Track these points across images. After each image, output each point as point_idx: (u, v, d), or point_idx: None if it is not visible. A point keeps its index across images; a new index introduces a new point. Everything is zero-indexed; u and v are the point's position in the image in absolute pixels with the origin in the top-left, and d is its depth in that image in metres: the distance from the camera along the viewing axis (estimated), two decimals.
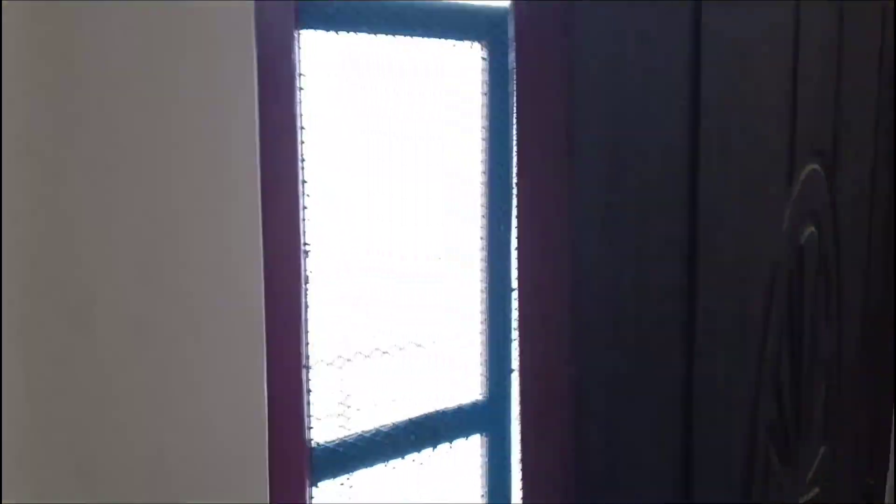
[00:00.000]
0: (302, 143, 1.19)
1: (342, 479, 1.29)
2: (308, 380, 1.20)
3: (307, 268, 1.19)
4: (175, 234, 0.93)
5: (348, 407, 1.56)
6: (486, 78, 1.38)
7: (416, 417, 1.33)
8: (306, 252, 1.19)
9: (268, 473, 1.02)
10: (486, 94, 1.39)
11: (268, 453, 1.07)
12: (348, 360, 1.49)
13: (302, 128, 1.19)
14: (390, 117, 1.42)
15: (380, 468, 1.33)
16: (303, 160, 1.19)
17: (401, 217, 1.47)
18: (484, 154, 1.41)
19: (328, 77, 1.33)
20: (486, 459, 1.39)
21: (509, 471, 1.41)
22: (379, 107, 1.41)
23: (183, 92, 0.91)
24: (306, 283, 1.19)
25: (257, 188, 0.98)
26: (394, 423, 1.30)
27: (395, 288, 1.46)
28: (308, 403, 1.20)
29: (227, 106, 0.95)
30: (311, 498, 1.21)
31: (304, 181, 1.18)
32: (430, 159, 1.44)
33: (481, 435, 1.39)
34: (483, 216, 1.40)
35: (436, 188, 1.46)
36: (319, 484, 1.25)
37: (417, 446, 1.32)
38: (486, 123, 1.40)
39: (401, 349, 1.45)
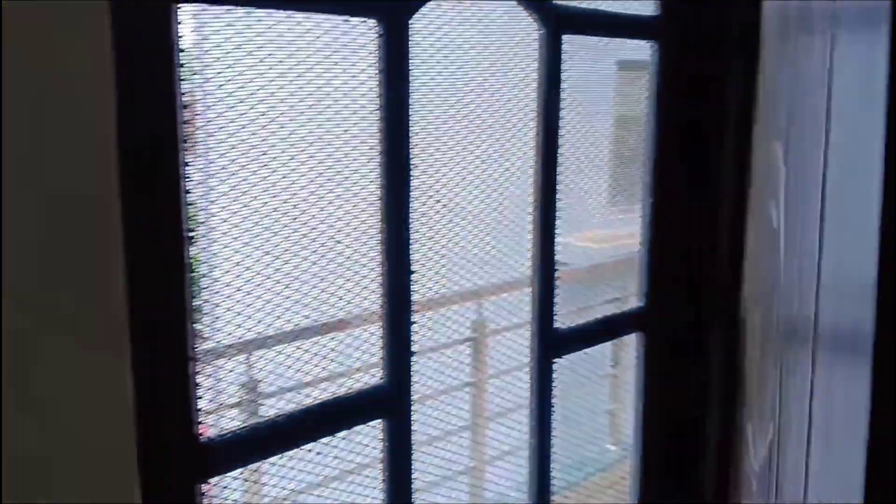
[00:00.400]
0: (184, 122, 1.14)
1: (239, 471, 1.25)
2: (196, 372, 1.15)
3: (190, 255, 1.14)
4: None
5: (243, 397, 1.52)
6: (382, 55, 1.34)
7: (315, 405, 1.29)
8: (190, 238, 1.14)
9: (136, 472, 0.97)
10: (382, 72, 1.34)
11: (147, 450, 1.03)
12: (249, 348, 1.45)
13: (184, 106, 1.13)
14: (284, 95, 1.37)
15: (279, 458, 1.29)
16: (185, 141, 1.13)
17: (298, 198, 1.42)
18: (381, 133, 1.36)
19: (218, 53, 1.28)
20: (388, 444, 1.36)
21: (410, 455, 1.39)
22: (272, 84, 1.36)
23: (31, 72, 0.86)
24: (190, 270, 1.14)
25: (112, 172, 0.93)
26: (291, 412, 1.26)
27: (293, 272, 1.42)
28: (196, 396, 1.15)
29: (79, 85, 0.90)
30: (202, 494, 1.17)
31: (185, 163, 1.13)
32: (325, 138, 1.40)
33: (382, 420, 1.36)
34: (381, 198, 1.36)
35: (332, 168, 1.42)
36: (213, 479, 1.21)
37: (317, 434, 1.29)
38: (383, 102, 1.35)
39: (300, 335, 1.41)
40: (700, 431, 1.99)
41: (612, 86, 2.09)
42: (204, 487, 1.17)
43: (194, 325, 1.15)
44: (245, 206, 1.39)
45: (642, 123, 1.88)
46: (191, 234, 1.14)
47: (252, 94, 1.32)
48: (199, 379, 1.16)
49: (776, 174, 1.51)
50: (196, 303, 1.17)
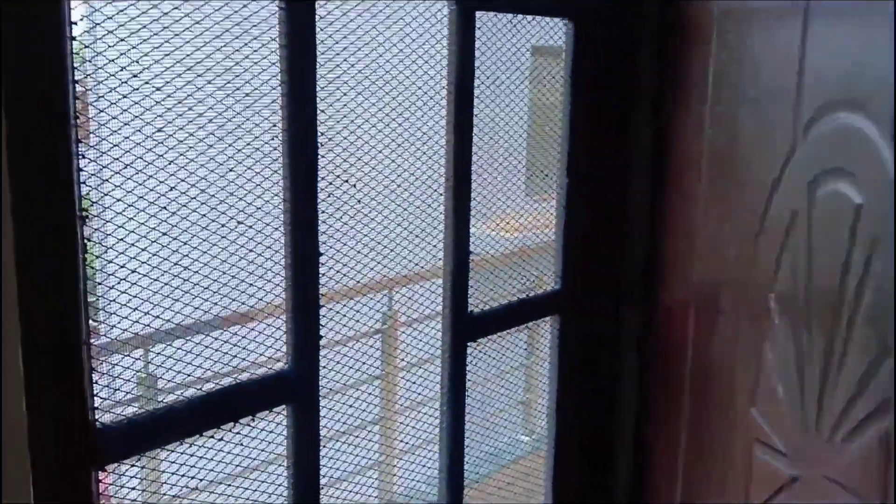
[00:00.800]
0: (75, 98, 1.09)
1: (135, 459, 1.20)
2: (90, 357, 1.10)
3: (84, 235, 1.09)
4: None
5: (149, 386, 1.47)
6: (286, 31, 1.30)
7: (216, 390, 1.25)
8: (83, 218, 1.09)
9: (29, 459, 0.93)
10: (285, 48, 1.31)
11: (39, 435, 1.00)
12: (147, 342, 1.40)
13: (75, 82, 1.08)
14: (184, 73, 1.32)
15: (178, 445, 1.25)
16: (76, 117, 1.08)
17: (201, 178, 1.38)
18: (286, 112, 1.33)
19: (114, 25, 1.22)
20: (293, 431, 1.33)
21: (317, 442, 1.36)
22: (171, 63, 1.31)
23: None
24: (84, 251, 1.09)
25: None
26: (191, 398, 1.22)
27: (195, 261, 1.37)
28: (92, 382, 1.11)
29: None
30: (98, 480, 1.12)
31: (78, 141, 1.08)
32: (227, 118, 1.35)
33: (287, 406, 1.33)
34: (286, 176, 1.32)
35: (235, 149, 1.38)
36: (110, 466, 1.16)
37: (218, 420, 1.25)
38: (287, 80, 1.32)
39: (204, 321, 1.37)
40: (615, 417, 2.00)
41: (525, 72, 2.08)
42: (101, 474, 1.13)
43: (89, 308, 1.10)
44: (145, 193, 1.34)
45: (557, 110, 1.87)
46: (84, 213, 1.10)
47: (151, 72, 1.27)
48: (94, 364, 1.11)
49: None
50: (91, 288, 1.13)
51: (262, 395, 1.30)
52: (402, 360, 2.10)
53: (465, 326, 1.62)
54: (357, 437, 1.65)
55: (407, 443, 1.82)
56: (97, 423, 1.11)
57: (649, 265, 1.91)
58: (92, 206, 1.14)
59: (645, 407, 1.97)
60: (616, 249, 1.94)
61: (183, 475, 1.27)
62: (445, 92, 1.58)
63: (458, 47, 1.54)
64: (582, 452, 1.99)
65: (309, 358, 1.33)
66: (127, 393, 1.41)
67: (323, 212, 1.34)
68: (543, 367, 2.42)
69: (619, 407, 2.00)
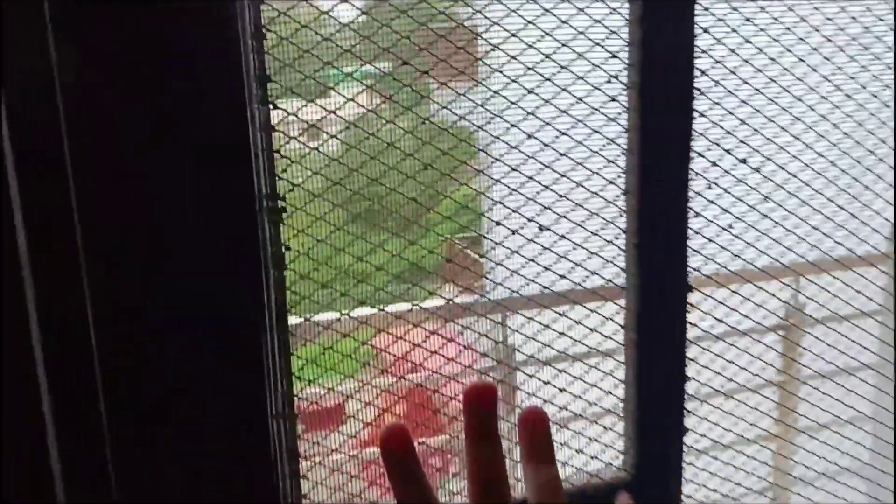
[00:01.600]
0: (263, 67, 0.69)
1: None
2: (290, 436, 0.68)
3: (276, 235, 0.67)
4: None
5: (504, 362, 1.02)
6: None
7: None
8: (275, 211, 0.67)
9: None
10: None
11: None
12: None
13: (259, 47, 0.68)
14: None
15: None
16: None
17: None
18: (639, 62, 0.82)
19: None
20: None
21: None
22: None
23: None
24: (278, 262, 0.67)
25: None
26: None
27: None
28: (295, 457, 0.68)
29: None
30: None
31: (269, 127, 0.68)
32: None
33: None
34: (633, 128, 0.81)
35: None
36: None
37: None
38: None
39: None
40: None
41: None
42: None
43: (286, 364, 0.67)
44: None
45: None
46: (279, 205, 0.68)
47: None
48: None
49: None
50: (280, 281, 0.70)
51: None
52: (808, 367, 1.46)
53: None
54: (740, 452, 1.09)
55: (811, 469, 1.23)
56: None
57: None
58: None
59: None
60: None
61: None
62: None
63: None
64: None
65: (662, 459, 0.79)
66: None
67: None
68: None
69: None
